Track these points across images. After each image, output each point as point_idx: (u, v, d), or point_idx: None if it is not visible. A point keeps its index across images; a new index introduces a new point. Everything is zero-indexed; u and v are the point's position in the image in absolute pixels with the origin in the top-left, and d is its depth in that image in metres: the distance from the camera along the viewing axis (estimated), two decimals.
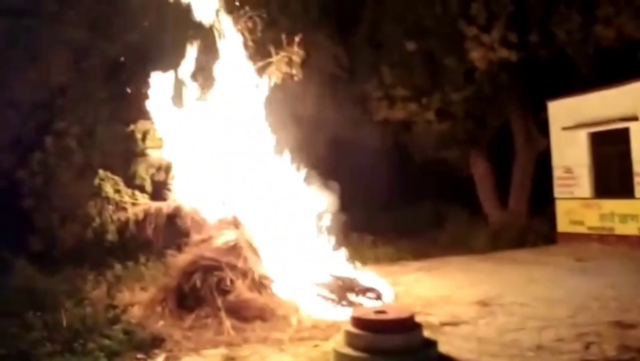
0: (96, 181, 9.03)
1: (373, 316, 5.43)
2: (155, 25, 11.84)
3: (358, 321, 5.40)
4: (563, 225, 13.08)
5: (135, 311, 7.48)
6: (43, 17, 12.56)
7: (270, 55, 10.39)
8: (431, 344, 5.36)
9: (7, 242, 9.97)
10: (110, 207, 8.80)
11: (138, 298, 8.23)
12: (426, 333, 5.50)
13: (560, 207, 13.18)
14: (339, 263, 8.60)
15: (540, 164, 14.13)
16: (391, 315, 5.51)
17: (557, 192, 13.29)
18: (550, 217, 13.38)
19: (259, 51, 10.27)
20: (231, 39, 9.21)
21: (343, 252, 8.95)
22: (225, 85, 8.66)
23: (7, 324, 6.55)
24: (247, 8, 10.38)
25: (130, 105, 11.09)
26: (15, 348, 5.96)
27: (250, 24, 10.17)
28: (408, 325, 5.40)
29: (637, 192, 11.35)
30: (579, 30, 12.26)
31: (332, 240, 8.84)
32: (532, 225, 13.58)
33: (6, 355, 5.85)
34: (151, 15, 12.04)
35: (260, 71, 9.82)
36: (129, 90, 11.69)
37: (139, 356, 6.01)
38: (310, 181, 8.86)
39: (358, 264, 9.05)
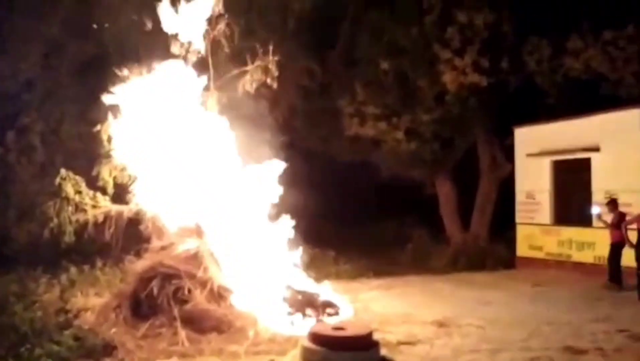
0: (57, 180, 8.80)
1: (331, 333, 5.41)
2: (128, 26, 11.68)
3: (315, 337, 5.37)
4: (522, 250, 13.30)
5: (88, 317, 7.31)
6: (16, 10, 12.30)
7: (245, 64, 10.35)
8: None
9: None
10: (70, 208, 8.58)
11: (92, 303, 8.03)
12: (383, 352, 5.50)
13: (521, 232, 13.40)
14: (300, 277, 8.56)
15: (504, 188, 14.37)
16: (349, 331, 5.49)
17: (519, 217, 13.52)
18: (510, 241, 13.59)
19: (235, 59, 10.24)
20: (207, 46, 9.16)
21: (304, 266, 8.92)
22: (193, 92, 8.57)
23: None
24: (226, 15, 10.35)
25: (98, 105, 10.89)
26: None
27: (227, 31, 10.12)
28: (366, 343, 5.39)
29: (595, 221, 11.63)
30: (549, 60, 12.60)
31: (294, 253, 8.80)
32: (492, 249, 13.77)
33: None
34: (125, 16, 11.88)
35: (236, 79, 9.77)
36: (97, 90, 11.49)
37: None
38: (275, 194, 8.80)
39: (319, 279, 9.03)
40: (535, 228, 13.08)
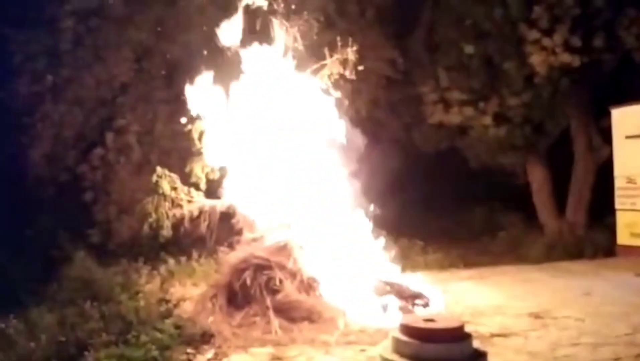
0: (154, 178, 9.31)
1: (422, 324, 5.36)
2: (213, 27, 12.07)
3: (406, 329, 5.33)
4: (624, 237, 12.53)
5: (187, 306, 7.67)
6: (109, 19, 13.07)
7: (324, 58, 10.44)
8: (481, 355, 5.23)
9: (68, 234, 10.41)
10: (167, 204, 9.06)
11: (190, 293, 8.44)
12: (476, 344, 5.38)
13: (621, 219, 12.63)
14: (388, 268, 8.55)
15: (601, 173, 13.60)
16: (440, 323, 5.42)
17: (618, 202, 12.74)
18: (610, 228, 12.82)
19: (314, 53, 10.35)
20: (287, 41, 9.32)
21: (392, 257, 8.89)
22: (278, 87, 8.76)
23: (67, 313, 6.84)
24: (305, 13, 10.51)
25: (188, 105, 11.37)
26: (74, 336, 6.22)
27: (306, 27, 10.26)
28: (457, 335, 5.29)
29: None
30: None
31: (382, 244, 8.80)
32: (590, 236, 13.04)
33: (65, 342, 6.11)
34: (210, 18, 12.29)
35: (314, 73, 9.88)
36: (186, 90, 11.98)
37: (189, 351, 6.17)
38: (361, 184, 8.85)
39: (407, 269, 8.97)
40: (638, 214, 12.28)
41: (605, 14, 12.19)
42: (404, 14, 14.50)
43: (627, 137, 12.45)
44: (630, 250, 12.23)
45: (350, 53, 10.35)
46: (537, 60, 12.26)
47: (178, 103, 12.54)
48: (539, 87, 12.86)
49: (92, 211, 12.41)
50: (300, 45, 9.56)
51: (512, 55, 12.79)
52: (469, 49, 13.16)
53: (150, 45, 13.26)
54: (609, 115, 13.04)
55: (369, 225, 8.79)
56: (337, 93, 10.06)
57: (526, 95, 13.04)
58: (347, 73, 10.67)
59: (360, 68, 11.06)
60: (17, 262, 11.02)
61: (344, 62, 10.66)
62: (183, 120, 10.20)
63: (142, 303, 7.25)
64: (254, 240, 8.15)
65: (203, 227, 8.78)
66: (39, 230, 12.51)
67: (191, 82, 10.42)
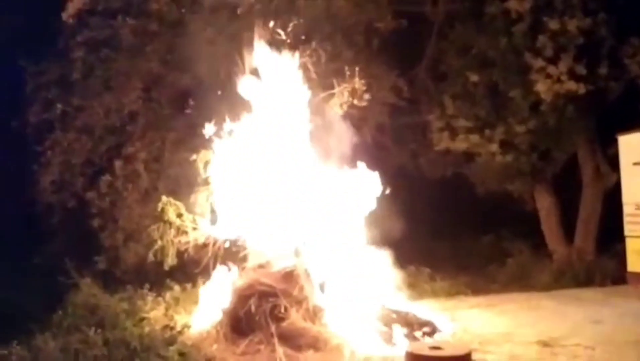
0: (160, 206, 9.36)
1: (428, 352, 5.31)
2: (222, 57, 12.25)
3: (412, 357, 5.29)
4: (634, 264, 12.37)
5: (191, 333, 7.62)
6: (119, 49, 13.33)
7: (332, 87, 10.58)
8: None
9: (75, 260, 10.42)
10: (172, 231, 9.09)
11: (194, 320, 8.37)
12: None
13: (631, 246, 12.49)
14: (395, 295, 8.49)
15: (609, 200, 13.53)
16: (447, 351, 5.37)
17: (627, 229, 12.62)
18: (619, 255, 12.69)
19: (322, 82, 10.48)
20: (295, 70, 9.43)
21: (399, 284, 8.83)
22: (285, 116, 8.84)
23: (71, 340, 6.81)
24: (313, 43, 10.72)
25: (195, 134, 11.49)
26: None
27: (314, 57, 10.43)
28: None
29: None
30: None
31: (389, 271, 8.74)
32: (599, 264, 12.90)
33: None
34: (218, 48, 12.49)
35: (323, 102, 9.99)
36: (194, 119, 12.13)
37: None
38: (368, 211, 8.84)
39: (414, 297, 8.90)
40: None
41: (609, 43, 12.29)
42: (410, 43, 14.67)
43: (635, 164, 12.39)
44: None
45: (357, 82, 10.48)
46: (542, 88, 12.31)
47: (185, 132, 12.72)
48: (545, 114, 12.89)
49: (99, 238, 12.46)
50: (312, 74, 9.70)
51: (518, 83, 12.86)
52: (474, 77, 13.24)
53: (160, 75, 13.47)
54: (615, 142, 13.02)
55: (376, 252, 8.75)
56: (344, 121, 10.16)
57: (532, 123, 13.05)
58: (355, 101, 10.82)
59: (367, 96, 11.22)
60: (24, 289, 11.04)
61: (351, 91, 10.80)
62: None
63: (146, 329, 7.23)
64: (260, 266, 8.12)
65: (209, 253, 8.78)
66: (46, 257, 12.56)
67: (199, 110, 10.57)
